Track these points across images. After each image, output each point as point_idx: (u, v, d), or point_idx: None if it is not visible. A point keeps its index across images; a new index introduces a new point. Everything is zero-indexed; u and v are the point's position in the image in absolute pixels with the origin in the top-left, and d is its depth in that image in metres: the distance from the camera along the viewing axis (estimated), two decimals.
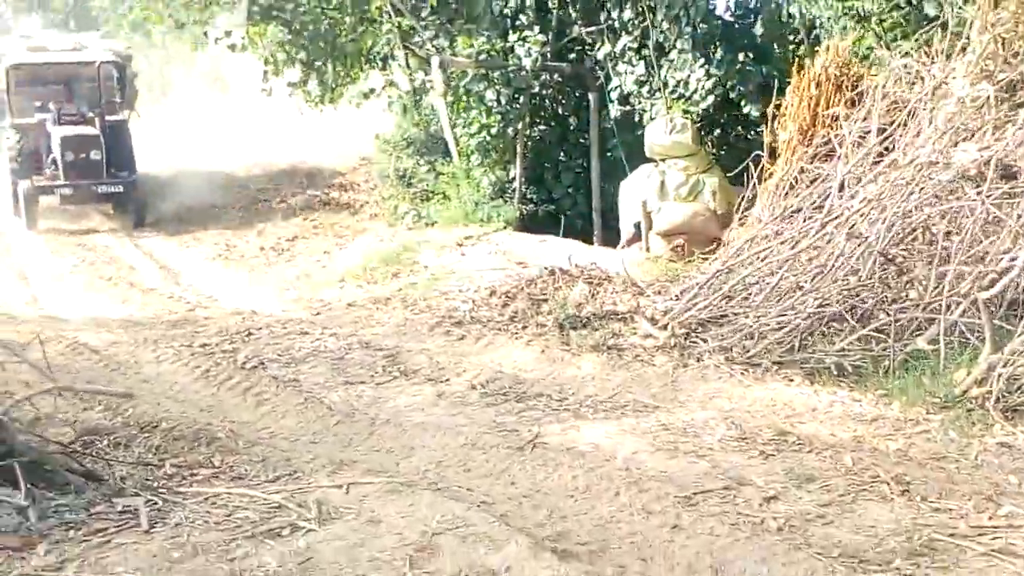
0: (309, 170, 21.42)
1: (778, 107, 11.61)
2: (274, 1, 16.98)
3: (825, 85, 9.34)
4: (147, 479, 6.06)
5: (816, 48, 10.98)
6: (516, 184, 14.87)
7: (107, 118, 18.03)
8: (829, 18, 10.31)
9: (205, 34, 17.76)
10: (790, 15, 13.24)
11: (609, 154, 15.04)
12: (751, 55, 13.22)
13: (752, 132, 14.39)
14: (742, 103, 12.87)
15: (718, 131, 13.93)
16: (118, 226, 18.10)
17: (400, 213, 16.43)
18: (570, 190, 15.33)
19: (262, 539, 4.56)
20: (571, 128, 15.70)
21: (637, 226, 12.21)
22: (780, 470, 5.28)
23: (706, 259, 10.02)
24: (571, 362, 7.95)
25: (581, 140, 15.54)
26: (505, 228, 14.06)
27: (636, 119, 14.44)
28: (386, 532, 4.69)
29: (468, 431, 6.31)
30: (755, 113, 12.74)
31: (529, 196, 15.11)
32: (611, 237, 14.36)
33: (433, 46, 16.22)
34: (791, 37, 14.34)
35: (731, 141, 14.27)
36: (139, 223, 18.13)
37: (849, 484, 5.09)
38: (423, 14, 16.04)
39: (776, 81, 13.18)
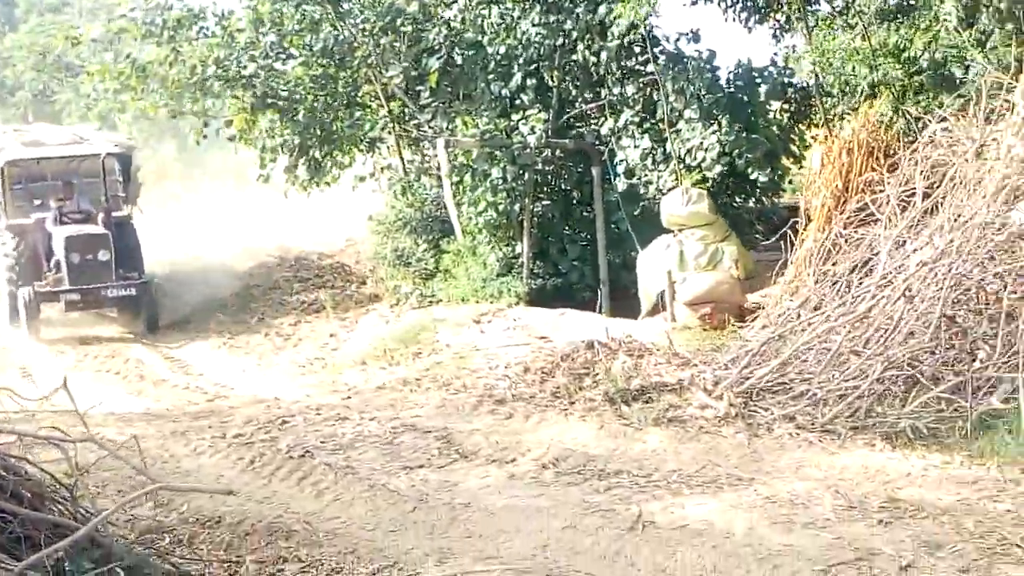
0: (298, 255, 21.28)
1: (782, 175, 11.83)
2: (269, 90, 17.01)
3: (857, 152, 9.46)
4: (232, 574, 5.90)
5: (830, 115, 11.16)
6: (524, 259, 14.87)
7: (112, 215, 16.88)
8: (846, 82, 10.48)
9: (205, 124, 17.66)
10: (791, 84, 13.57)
11: (614, 226, 15.12)
12: (755, 123, 13.46)
13: (759, 199, 14.64)
14: (749, 170, 13.04)
15: (726, 199, 14.03)
16: (128, 332, 16.77)
17: (403, 293, 16.36)
18: (576, 263, 15.34)
19: None
20: (574, 202, 15.80)
21: (660, 296, 12.24)
22: (904, 537, 5.24)
23: (743, 327, 10.03)
24: (635, 437, 7.87)
25: (585, 213, 15.64)
26: (518, 303, 14.03)
27: (641, 191, 14.60)
28: None
29: (562, 512, 6.20)
30: (763, 179, 12.93)
31: (536, 271, 15.11)
32: (619, 308, 14.37)
33: (430, 127, 16.35)
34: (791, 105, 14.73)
35: (738, 208, 14.42)
36: (151, 328, 16.66)
37: (979, 549, 5.06)
38: (422, 97, 16.15)
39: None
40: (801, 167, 15.64)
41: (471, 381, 10.64)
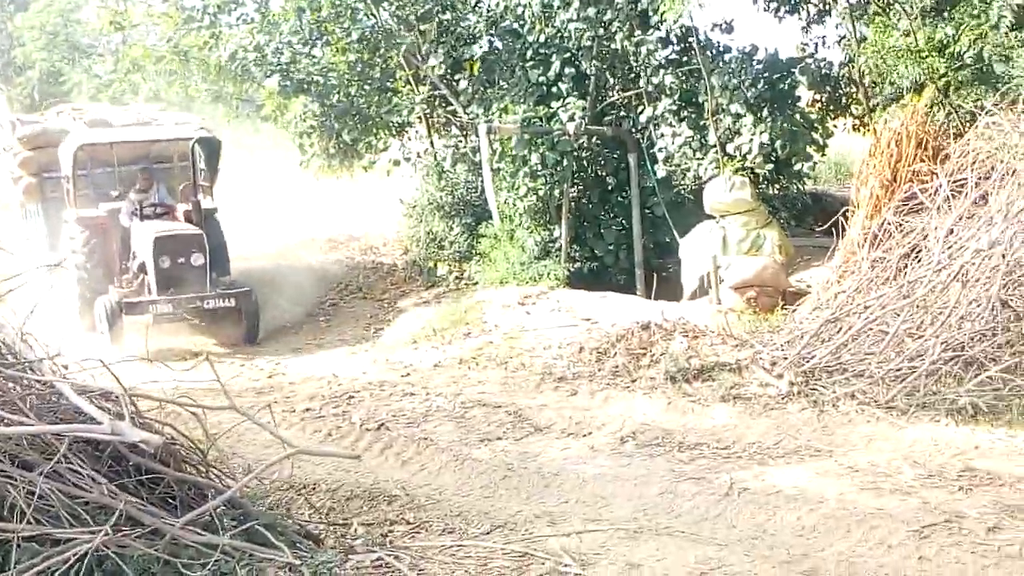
0: (328, 237, 21.60)
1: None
2: (305, 76, 17.34)
3: (905, 143, 9.89)
4: (341, 536, 6.29)
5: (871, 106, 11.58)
6: (561, 243, 15.27)
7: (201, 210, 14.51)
8: (885, 76, 10.91)
9: (237, 106, 18.01)
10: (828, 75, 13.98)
11: (649, 212, 15.53)
12: (792, 114, 13.87)
13: (786, 186, 15.08)
14: (792, 160, 13.47)
15: (766, 185, 14.47)
16: (222, 345, 14.52)
17: (439, 275, 16.76)
18: (612, 247, 15.76)
19: None
20: (610, 188, 16.17)
21: (703, 279, 12.68)
22: (986, 503, 5.68)
23: (793, 310, 10.47)
24: (703, 413, 8.32)
25: (620, 199, 16.01)
26: (557, 286, 14.43)
27: (677, 178, 15.02)
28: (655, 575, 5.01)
29: (654, 480, 6.65)
30: (806, 169, 13.37)
31: (572, 255, 15.50)
32: (656, 292, 14.76)
33: (467, 113, 16.71)
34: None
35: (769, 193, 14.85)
36: (251, 340, 14.39)
37: None
38: (459, 84, 16.51)
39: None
40: (824, 156, 16.10)
41: (527, 360, 11.06)
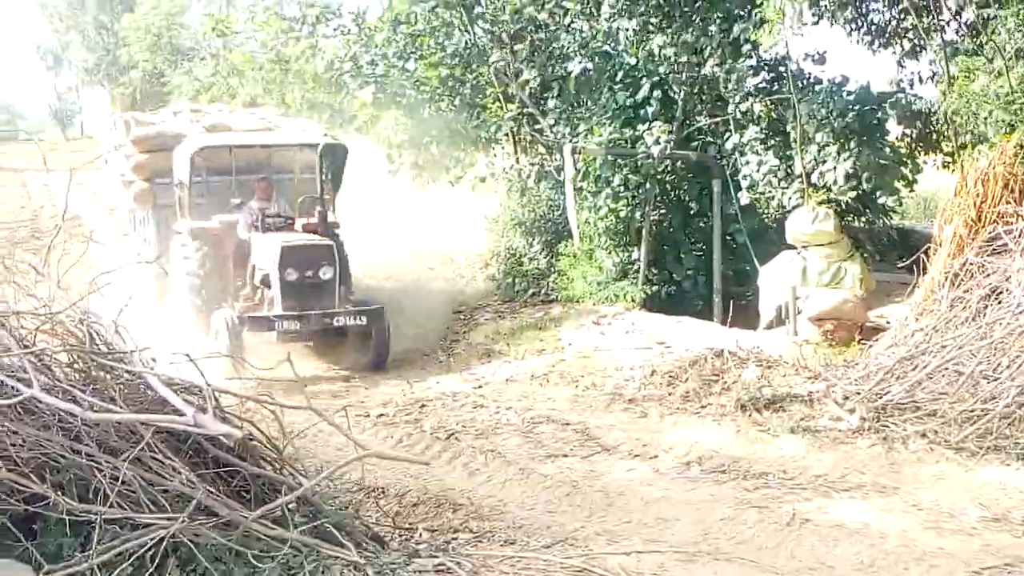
0: (413, 251, 21.81)
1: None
2: (397, 89, 17.69)
3: (992, 183, 9.80)
4: (406, 539, 6.44)
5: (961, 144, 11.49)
6: (640, 266, 15.32)
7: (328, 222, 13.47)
8: (971, 115, 10.79)
9: (331, 115, 18.44)
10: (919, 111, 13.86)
11: (729, 238, 15.52)
12: (880, 148, 13.78)
13: (873, 221, 14.96)
14: (877, 193, 13.38)
15: (851, 218, 14.40)
16: (347, 369, 13.52)
17: (517, 290, 16.92)
18: (690, 272, 15.78)
19: None
20: (692, 213, 16.20)
21: (780, 309, 12.65)
22: None
23: (870, 345, 10.41)
24: (772, 443, 8.31)
25: (701, 224, 16.03)
26: (633, 308, 14.50)
27: (760, 206, 14.99)
28: None
29: (718, 507, 6.70)
30: (891, 203, 13.26)
31: (650, 277, 15.55)
32: (732, 319, 14.72)
33: (552, 132, 16.90)
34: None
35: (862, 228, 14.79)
36: (380, 364, 13.30)
37: None
38: (548, 103, 16.69)
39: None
40: (912, 191, 15.94)
41: (599, 379, 11.16)
